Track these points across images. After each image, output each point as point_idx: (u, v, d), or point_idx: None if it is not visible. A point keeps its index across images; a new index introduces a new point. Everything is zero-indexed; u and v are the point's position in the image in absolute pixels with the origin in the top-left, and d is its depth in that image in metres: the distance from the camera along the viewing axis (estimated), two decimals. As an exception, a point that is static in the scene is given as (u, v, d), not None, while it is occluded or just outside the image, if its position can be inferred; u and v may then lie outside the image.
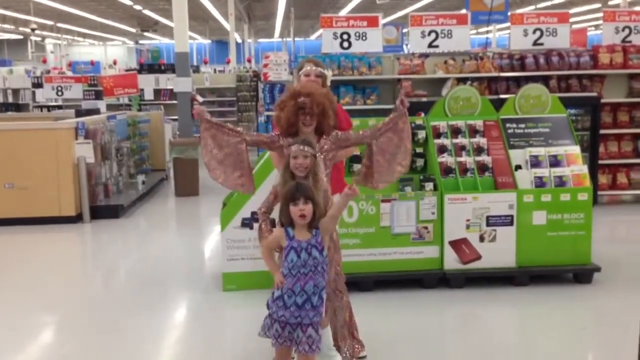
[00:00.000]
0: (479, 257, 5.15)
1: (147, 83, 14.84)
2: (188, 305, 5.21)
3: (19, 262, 6.56)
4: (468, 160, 5.27)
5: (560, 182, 5.23)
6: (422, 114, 5.81)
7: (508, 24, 8.90)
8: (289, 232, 3.09)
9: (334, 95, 4.20)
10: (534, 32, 8.34)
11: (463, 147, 5.32)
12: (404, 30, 14.81)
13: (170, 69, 14.99)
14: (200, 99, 14.98)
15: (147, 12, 28.02)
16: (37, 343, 4.49)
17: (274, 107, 3.71)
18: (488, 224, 5.12)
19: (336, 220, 3.23)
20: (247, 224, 5.16)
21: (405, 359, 4.03)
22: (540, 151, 5.34)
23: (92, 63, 26.56)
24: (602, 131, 8.16)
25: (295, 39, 24.34)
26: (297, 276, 3.06)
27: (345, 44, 8.11)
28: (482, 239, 5.13)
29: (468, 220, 5.10)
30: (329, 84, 4.17)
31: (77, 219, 7.98)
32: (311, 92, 3.55)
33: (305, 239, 3.07)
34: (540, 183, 5.22)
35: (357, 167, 5.40)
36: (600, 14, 9.80)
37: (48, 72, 19.57)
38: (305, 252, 3.05)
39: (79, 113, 10.16)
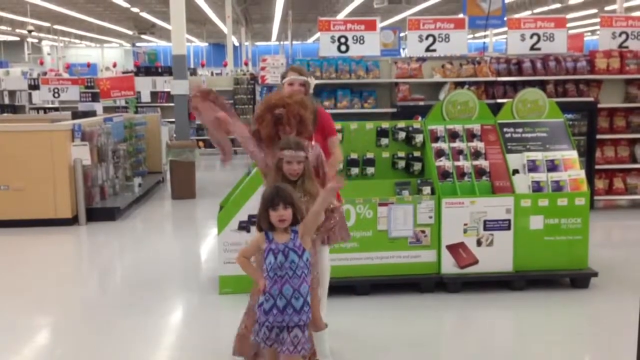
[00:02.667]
0: (476, 262, 5.14)
1: (144, 85, 14.82)
2: (184, 308, 5.20)
3: (14, 264, 6.53)
4: (465, 164, 5.27)
5: (558, 186, 5.23)
6: (420, 118, 5.81)
7: (505, 29, 8.92)
8: (268, 235, 3.07)
9: (314, 101, 4.22)
10: (531, 36, 8.36)
11: (460, 151, 5.33)
12: (401, 35, 14.86)
13: (168, 71, 14.98)
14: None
15: (144, 14, 28.00)
16: (32, 345, 4.47)
17: (252, 121, 3.75)
18: (485, 229, 5.12)
19: (318, 215, 3.16)
20: (244, 227, 5.15)
21: (402, 363, 4.02)
22: (538, 156, 5.34)
23: (88, 65, 26.50)
24: (598, 136, 8.19)
25: (293, 42, 24.36)
26: (275, 279, 3.03)
27: (343, 48, 8.11)
28: (479, 243, 5.13)
29: (465, 224, 5.10)
30: (311, 91, 4.22)
31: (73, 221, 7.95)
32: (287, 103, 3.58)
33: (283, 241, 3.05)
34: (537, 187, 5.22)
35: (354, 170, 5.41)
36: (597, 20, 9.83)
37: (45, 73, 19.51)
38: (282, 255, 3.02)
39: (76, 115, 10.14)
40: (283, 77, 4.23)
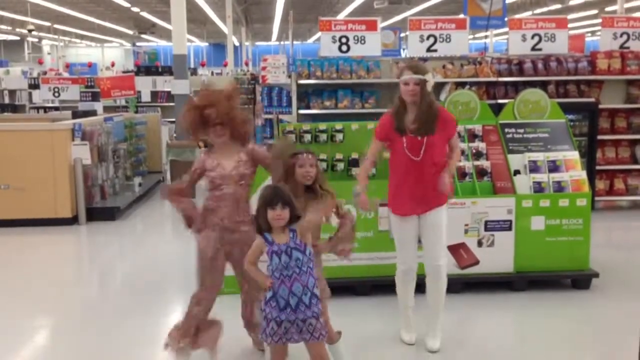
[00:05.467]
0: (477, 262, 5.13)
1: (145, 85, 14.81)
2: (184, 308, 5.18)
3: (14, 263, 6.52)
4: (467, 164, 5.26)
5: (559, 187, 5.22)
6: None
7: (506, 29, 8.90)
8: (267, 238, 3.13)
9: (434, 100, 3.99)
10: (533, 37, 8.35)
11: (462, 152, 5.31)
12: (402, 35, 14.86)
13: (168, 71, 14.97)
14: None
15: (144, 14, 28.00)
16: (31, 346, 4.46)
17: (181, 119, 3.72)
18: (486, 229, 5.11)
19: (311, 226, 3.22)
20: (244, 227, 5.13)
21: (403, 364, 4.01)
22: (539, 156, 5.33)
23: (89, 65, 26.50)
24: (599, 137, 8.18)
25: (293, 42, 24.34)
26: (281, 279, 3.09)
27: (344, 48, 8.10)
28: (480, 243, 5.12)
29: (466, 224, 5.08)
30: (430, 89, 3.92)
31: (73, 220, 7.94)
32: (214, 103, 3.54)
33: (283, 242, 3.11)
34: (539, 188, 5.21)
35: (355, 170, 5.39)
36: (597, 20, 9.81)
37: (45, 73, 19.50)
38: (285, 255, 3.09)
39: (76, 114, 10.13)
40: (399, 75, 3.97)
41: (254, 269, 3.24)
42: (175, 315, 5.02)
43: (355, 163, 5.39)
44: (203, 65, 31.06)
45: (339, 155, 5.41)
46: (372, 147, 4.12)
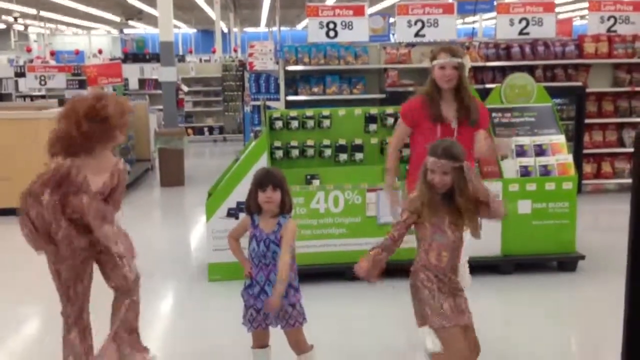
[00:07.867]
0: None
1: (132, 73, 14.70)
2: (173, 295, 5.19)
3: (2, 254, 6.48)
4: (454, 149, 5.26)
5: (546, 171, 5.25)
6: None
7: (494, 14, 8.89)
8: (254, 220, 3.12)
9: (469, 86, 3.69)
10: (520, 21, 8.34)
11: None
12: (391, 20, 14.80)
13: (155, 58, 14.86)
14: (185, 88, 14.87)
15: (131, 0, 27.72)
16: (20, 337, 4.45)
17: (59, 136, 3.21)
18: (473, 213, 5.12)
19: (291, 235, 3.10)
20: (232, 214, 5.14)
21: (391, 347, 4.03)
22: (526, 140, 5.36)
23: (76, 52, 26.27)
24: (587, 120, 8.21)
25: (282, 28, 24.19)
26: (260, 266, 3.10)
27: (332, 33, 8.07)
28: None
29: (454, 209, 5.10)
30: (466, 73, 3.64)
31: (61, 209, 7.89)
32: (110, 102, 3.15)
33: (267, 231, 3.08)
34: (525, 172, 5.24)
35: (343, 156, 5.40)
36: (585, 5, 9.81)
37: (31, 61, 19.32)
38: (263, 244, 3.08)
39: (62, 102, 10.05)
40: (433, 58, 3.64)
41: (237, 246, 3.22)
42: (165, 302, 5.03)
43: (342, 149, 5.40)
44: (191, 52, 30.88)
45: (326, 141, 5.41)
46: (397, 136, 3.79)
